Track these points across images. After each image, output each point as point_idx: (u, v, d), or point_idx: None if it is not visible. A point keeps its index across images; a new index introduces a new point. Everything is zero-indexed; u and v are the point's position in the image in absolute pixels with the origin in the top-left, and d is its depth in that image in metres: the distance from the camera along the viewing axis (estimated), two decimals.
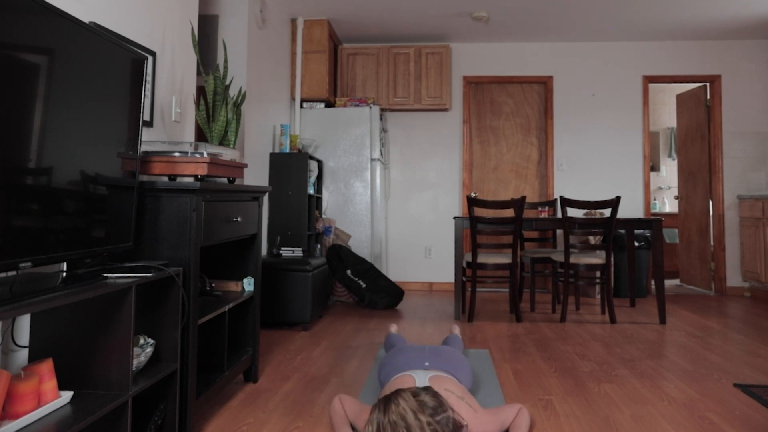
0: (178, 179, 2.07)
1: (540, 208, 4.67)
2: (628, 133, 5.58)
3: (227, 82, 3.55)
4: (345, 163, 4.93)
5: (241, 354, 2.47)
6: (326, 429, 2.05)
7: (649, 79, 5.59)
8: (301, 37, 4.90)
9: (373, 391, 2.44)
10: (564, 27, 5.20)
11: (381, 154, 5.18)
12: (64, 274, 1.58)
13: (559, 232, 5.35)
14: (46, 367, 1.43)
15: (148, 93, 2.34)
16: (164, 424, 1.81)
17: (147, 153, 2.00)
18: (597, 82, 5.62)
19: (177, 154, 2.00)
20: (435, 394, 1.73)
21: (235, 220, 2.24)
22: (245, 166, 2.39)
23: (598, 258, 4.03)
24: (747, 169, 5.48)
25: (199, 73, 3.76)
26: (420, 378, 2.02)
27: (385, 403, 1.70)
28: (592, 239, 5.03)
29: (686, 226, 5.93)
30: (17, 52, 1.25)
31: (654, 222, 3.99)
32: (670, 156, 7.37)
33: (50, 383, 1.43)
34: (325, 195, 4.95)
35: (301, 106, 5.00)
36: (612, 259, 4.99)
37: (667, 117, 7.41)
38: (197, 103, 2.84)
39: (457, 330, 3.08)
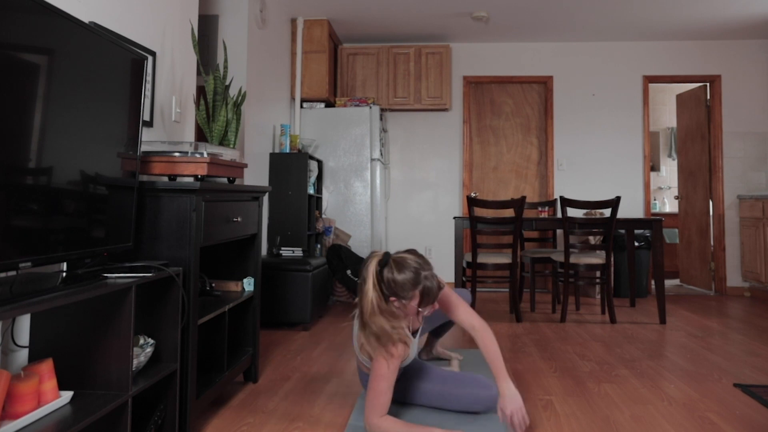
0: (178, 179, 2.07)
1: (540, 208, 4.67)
2: (628, 133, 5.58)
3: (227, 82, 3.55)
4: (345, 163, 4.93)
5: (241, 354, 2.47)
6: (326, 429, 2.05)
7: (649, 79, 5.59)
8: (301, 37, 4.90)
9: None
10: (564, 27, 5.20)
11: (381, 154, 5.17)
12: (64, 274, 1.58)
13: (559, 232, 5.35)
14: (46, 367, 1.43)
15: (148, 93, 2.34)
16: (164, 424, 1.81)
17: (147, 153, 2.00)
18: (597, 82, 5.62)
19: (177, 154, 2.00)
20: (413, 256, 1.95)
21: (235, 220, 2.24)
22: (245, 166, 2.39)
23: (598, 258, 4.03)
24: (747, 169, 5.48)
25: (199, 73, 3.76)
26: None
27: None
28: (592, 239, 5.03)
29: (686, 226, 5.93)
30: (17, 52, 1.25)
31: (654, 222, 3.99)
32: (670, 156, 7.37)
33: (50, 383, 1.43)
34: (325, 195, 4.94)
35: (301, 106, 5.00)
36: (612, 259, 4.99)
37: (667, 117, 7.40)
38: (197, 103, 2.84)
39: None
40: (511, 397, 1.93)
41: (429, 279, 1.91)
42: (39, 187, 1.33)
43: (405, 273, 1.89)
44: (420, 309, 1.93)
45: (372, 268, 1.90)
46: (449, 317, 2.17)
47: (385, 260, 1.92)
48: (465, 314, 2.14)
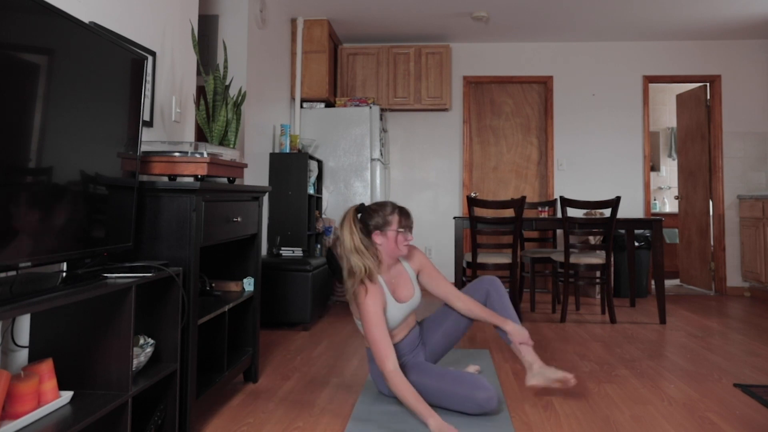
0: (178, 179, 2.07)
1: (540, 208, 4.67)
2: (628, 133, 5.58)
3: (227, 82, 3.54)
4: (345, 163, 4.93)
5: (241, 354, 2.47)
6: (326, 429, 2.05)
7: (649, 79, 5.59)
8: (301, 37, 4.90)
9: (373, 391, 2.44)
10: (564, 27, 5.20)
11: (381, 154, 5.17)
12: (64, 274, 1.58)
13: (559, 232, 5.35)
14: (46, 367, 1.43)
15: (148, 93, 2.34)
16: (164, 424, 1.81)
17: (147, 153, 2.00)
18: (597, 82, 5.62)
19: (177, 154, 2.00)
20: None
21: (235, 220, 2.24)
22: (245, 166, 2.39)
23: (598, 258, 4.03)
24: (747, 169, 5.48)
25: (199, 73, 3.76)
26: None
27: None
28: (592, 239, 5.03)
29: (686, 226, 5.93)
30: (17, 52, 1.25)
31: (654, 222, 3.99)
32: (670, 156, 7.37)
33: (50, 383, 1.43)
34: (325, 195, 4.95)
35: (301, 106, 5.00)
36: (612, 259, 4.99)
37: (667, 117, 7.40)
38: (197, 103, 2.84)
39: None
40: (519, 331, 2.32)
41: (401, 207, 2.29)
42: (39, 187, 1.33)
43: (381, 206, 2.28)
44: (400, 230, 2.24)
45: (350, 215, 2.26)
46: (434, 289, 2.44)
47: (362, 207, 2.30)
48: (450, 287, 2.44)
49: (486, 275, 2.56)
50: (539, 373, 2.30)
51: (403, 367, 2.26)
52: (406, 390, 2.00)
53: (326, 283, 4.17)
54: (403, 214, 2.27)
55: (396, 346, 2.32)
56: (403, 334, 2.36)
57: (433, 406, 2.18)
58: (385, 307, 2.21)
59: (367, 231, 2.26)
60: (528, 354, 2.33)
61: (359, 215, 2.30)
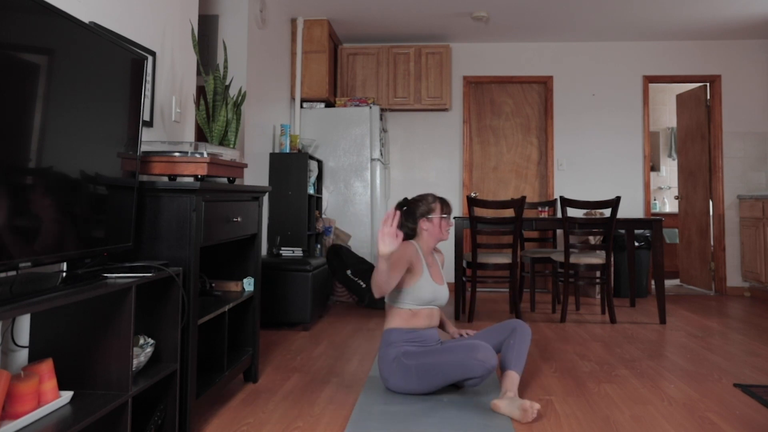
0: (178, 179, 2.07)
1: (540, 208, 4.67)
2: (628, 133, 5.58)
3: (227, 82, 3.54)
4: (345, 163, 4.93)
5: (241, 354, 2.47)
6: (326, 429, 2.05)
7: (649, 79, 5.59)
8: (301, 37, 4.90)
9: (373, 391, 2.44)
10: (564, 27, 5.20)
11: (381, 154, 5.17)
12: (64, 274, 1.58)
13: (559, 232, 5.35)
14: (46, 367, 1.43)
15: (148, 93, 2.34)
16: (164, 424, 1.81)
17: (147, 153, 2.00)
18: (597, 82, 5.62)
19: (177, 154, 2.00)
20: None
21: (235, 220, 2.24)
22: (245, 166, 2.39)
23: (598, 258, 4.03)
24: (747, 169, 5.48)
25: (199, 73, 3.76)
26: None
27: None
28: (592, 239, 5.03)
29: (686, 226, 5.93)
30: (17, 52, 1.25)
31: (654, 222, 3.99)
32: (670, 156, 7.37)
33: (50, 383, 1.42)
34: (325, 195, 4.94)
35: (301, 106, 5.00)
36: (612, 259, 4.99)
37: (667, 117, 7.40)
38: (197, 103, 2.84)
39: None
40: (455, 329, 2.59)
41: (441, 197, 2.51)
42: (39, 187, 1.33)
43: (422, 197, 2.49)
44: (443, 216, 2.47)
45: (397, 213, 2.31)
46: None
47: (404, 202, 2.52)
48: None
49: (522, 321, 2.52)
50: (508, 401, 2.15)
51: (409, 353, 2.33)
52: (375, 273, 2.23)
53: (326, 283, 4.17)
54: (444, 202, 2.51)
55: (414, 332, 2.41)
56: (425, 323, 2.45)
57: (437, 390, 2.33)
58: (418, 271, 2.41)
59: (413, 219, 2.49)
60: (507, 382, 2.25)
61: (404, 208, 2.52)
